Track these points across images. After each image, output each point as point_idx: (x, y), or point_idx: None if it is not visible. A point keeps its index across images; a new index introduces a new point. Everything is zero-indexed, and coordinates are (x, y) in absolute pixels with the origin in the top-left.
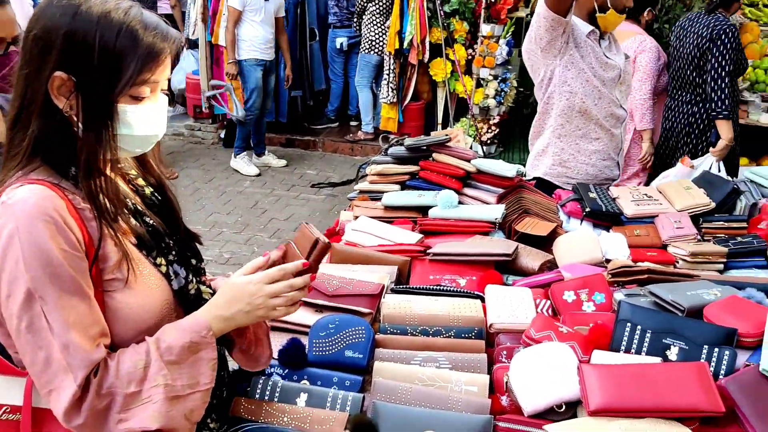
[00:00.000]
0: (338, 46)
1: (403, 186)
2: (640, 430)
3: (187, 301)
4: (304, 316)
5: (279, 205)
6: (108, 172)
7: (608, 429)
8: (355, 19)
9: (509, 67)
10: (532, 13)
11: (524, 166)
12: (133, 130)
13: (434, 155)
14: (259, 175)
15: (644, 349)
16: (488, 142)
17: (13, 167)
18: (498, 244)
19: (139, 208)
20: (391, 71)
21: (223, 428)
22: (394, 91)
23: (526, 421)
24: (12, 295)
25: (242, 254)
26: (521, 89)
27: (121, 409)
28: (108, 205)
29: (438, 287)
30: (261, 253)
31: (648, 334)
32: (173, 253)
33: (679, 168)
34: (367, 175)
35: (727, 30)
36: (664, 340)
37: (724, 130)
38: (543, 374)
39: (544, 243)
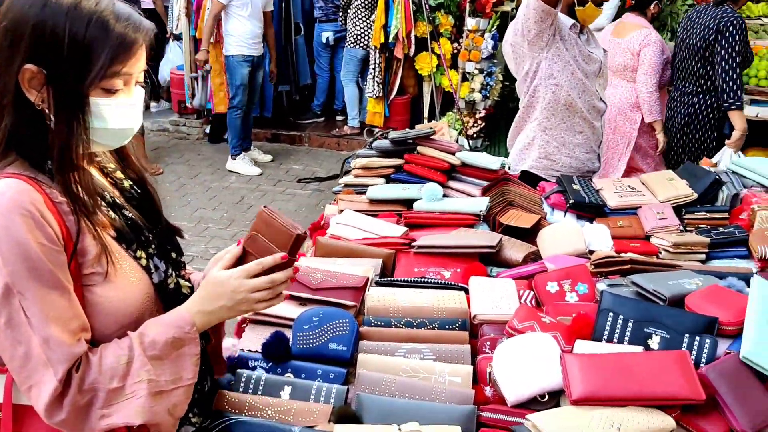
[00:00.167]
0: (324, 41)
1: (388, 179)
2: (622, 419)
3: (166, 295)
4: (287, 309)
5: (265, 200)
6: (84, 165)
7: (590, 418)
8: (340, 14)
9: (495, 60)
10: (517, 7)
11: None
12: (107, 124)
13: (419, 148)
14: (261, 174)
15: (626, 338)
16: (474, 136)
17: None
18: (482, 236)
19: (118, 201)
20: (376, 65)
21: (206, 422)
22: (380, 86)
23: (510, 410)
24: None
25: None
26: (507, 83)
27: (104, 405)
28: (85, 198)
29: (422, 279)
30: None
31: (630, 324)
32: (153, 246)
33: None
34: (352, 168)
35: (735, 22)
36: (645, 329)
37: (737, 120)
38: (526, 364)
39: (529, 235)
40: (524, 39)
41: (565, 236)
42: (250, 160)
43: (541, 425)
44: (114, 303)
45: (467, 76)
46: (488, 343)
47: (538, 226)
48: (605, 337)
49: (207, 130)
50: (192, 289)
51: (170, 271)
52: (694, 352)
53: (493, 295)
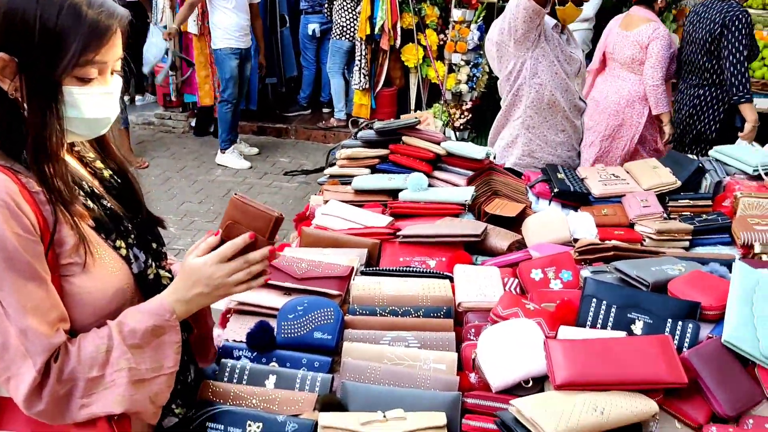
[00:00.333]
0: (310, 33)
1: (374, 170)
2: (606, 403)
3: (146, 286)
4: (272, 299)
5: (251, 193)
6: (62, 154)
7: (574, 402)
8: (326, 5)
9: (481, 52)
10: None
11: None
12: (82, 113)
13: (404, 138)
14: (251, 167)
15: (610, 324)
16: (461, 127)
17: None
18: (467, 225)
19: (96, 190)
20: (362, 57)
21: (191, 412)
22: (366, 78)
23: (494, 396)
24: None
25: None
26: (493, 75)
27: (84, 394)
28: (62, 188)
29: (408, 269)
30: None
31: (613, 309)
32: (133, 236)
33: None
34: (337, 159)
35: (740, 16)
36: (629, 315)
37: (748, 112)
38: (510, 351)
39: (514, 224)
40: (511, 38)
41: (549, 225)
42: (239, 154)
43: (525, 410)
44: (93, 293)
45: (453, 67)
46: (473, 330)
47: (523, 215)
48: (589, 323)
49: (192, 124)
50: (172, 280)
51: (150, 261)
52: (676, 337)
53: (478, 283)
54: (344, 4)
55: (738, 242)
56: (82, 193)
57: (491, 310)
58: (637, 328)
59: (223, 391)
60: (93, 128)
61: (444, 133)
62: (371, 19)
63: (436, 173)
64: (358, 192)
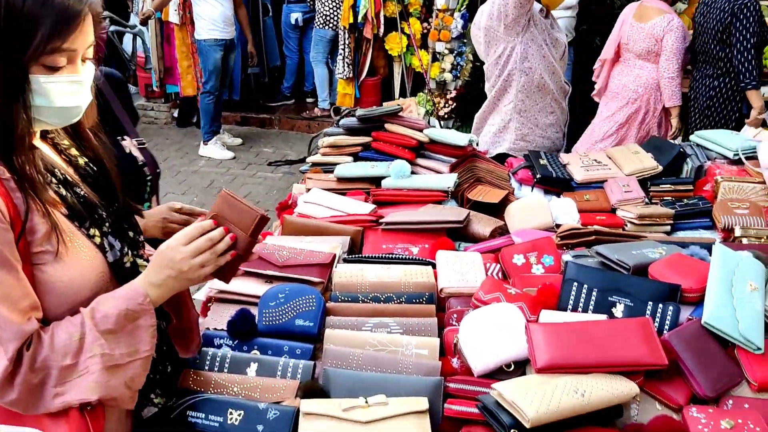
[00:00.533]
0: (293, 22)
1: (356, 157)
2: (587, 385)
3: (122, 274)
4: (253, 287)
5: (235, 184)
6: (33, 142)
7: (555, 385)
8: None
9: (465, 40)
10: None
11: None
12: (51, 102)
13: (386, 126)
14: (234, 158)
15: (591, 307)
16: (446, 116)
17: None
18: (449, 212)
19: (70, 178)
20: (346, 46)
21: (171, 401)
22: (350, 67)
23: (476, 381)
24: None
25: None
26: (477, 63)
27: (57, 383)
28: (33, 175)
29: (390, 256)
30: None
31: (594, 293)
32: (107, 224)
33: None
34: (319, 147)
35: (749, 4)
36: (609, 298)
37: (755, 99)
38: (492, 335)
39: (497, 210)
40: (500, 23)
41: (532, 210)
42: (222, 145)
43: (507, 394)
44: (66, 282)
45: (437, 56)
46: (455, 315)
47: (505, 202)
48: (570, 306)
49: (175, 114)
50: None
51: (126, 249)
52: (657, 319)
53: (460, 269)
54: None
55: (719, 226)
56: (54, 180)
57: (473, 295)
58: (618, 311)
59: (204, 379)
60: (64, 117)
61: (429, 122)
62: (354, 7)
63: (419, 160)
64: (340, 180)
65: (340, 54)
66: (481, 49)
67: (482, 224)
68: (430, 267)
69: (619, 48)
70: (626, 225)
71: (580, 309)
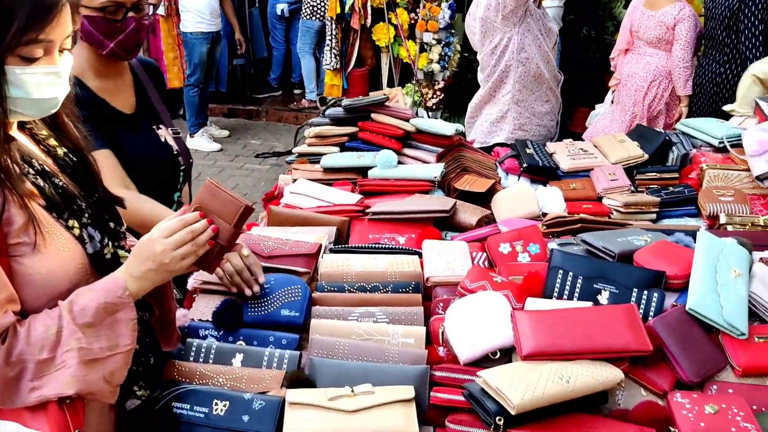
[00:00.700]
0: (279, 13)
1: (343, 147)
2: (572, 372)
3: (102, 266)
4: None
5: (223, 176)
6: (8, 133)
7: (540, 372)
8: None
9: (452, 31)
10: None
11: None
12: (28, 93)
13: (373, 116)
14: (221, 150)
15: (576, 294)
16: (434, 107)
17: None
18: (436, 201)
19: (48, 169)
20: (333, 37)
21: (156, 393)
22: (337, 58)
23: (462, 369)
24: None
25: None
26: (465, 54)
27: (34, 377)
28: (10, 166)
29: (377, 246)
30: None
31: (579, 280)
32: (87, 215)
33: None
34: (306, 138)
35: None
36: (595, 285)
37: None
38: (477, 323)
39: (483, 200)
40: (498, 14)
41: (518, 200)
42: (209, 136)
43: (492, 381)
44: (44, 274)
45: (425, 46)
46: (441, 304)
47: (492, 191)
48: (555, 294)
49: None
50: None
51: (106, 241)
52: (642, 306)
53: (446, 258)
54: None
55: (704, 214)
56: (32, 171)
57: (459, 284)
58: (603, 298)
59: (188, 370)
60: (41, 108)
61: (417, 113)
62: None
63: (406, 150)
64: (327, 170)
65: (327, 45)
66: (476, 39)
67: (469, 213)
68: (416, 256)
69: (629, 36)
70: (612, 213)
71: (565, 296)
